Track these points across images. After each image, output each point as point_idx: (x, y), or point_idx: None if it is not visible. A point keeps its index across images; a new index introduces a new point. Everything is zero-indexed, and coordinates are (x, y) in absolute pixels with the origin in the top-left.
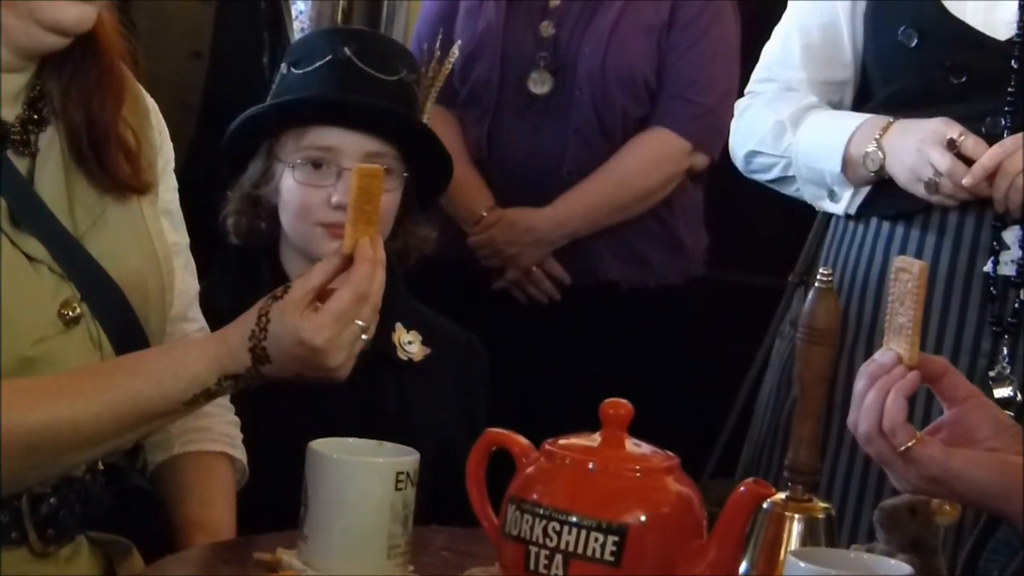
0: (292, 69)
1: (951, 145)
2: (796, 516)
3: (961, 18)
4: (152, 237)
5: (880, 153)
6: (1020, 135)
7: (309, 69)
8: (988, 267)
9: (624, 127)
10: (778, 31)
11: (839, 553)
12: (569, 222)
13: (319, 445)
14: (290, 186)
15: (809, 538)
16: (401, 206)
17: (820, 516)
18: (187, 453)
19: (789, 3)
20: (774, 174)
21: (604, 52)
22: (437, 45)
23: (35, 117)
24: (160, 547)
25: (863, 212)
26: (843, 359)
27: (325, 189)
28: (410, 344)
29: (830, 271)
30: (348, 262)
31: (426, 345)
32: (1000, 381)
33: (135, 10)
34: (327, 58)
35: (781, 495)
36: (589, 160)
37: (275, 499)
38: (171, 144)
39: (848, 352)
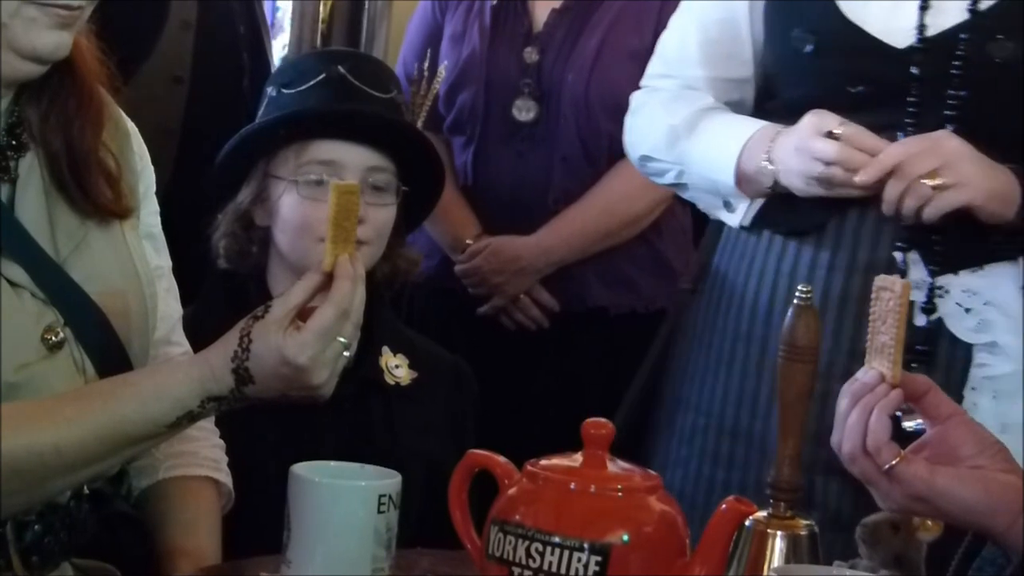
0: (283, 90)
1: (832, 138)
2: (779, 533)
3: (859, 23)
4: (135, 261)
5: (771, 166)
6: (925, 136)
7: (304, 88)
8: None
9: (609, 154)
10: (675, 23)
11: (822, 570)
12: (555, 251)
13: (301, 469)
14: (291, 203)
15: (792, 555)
16: (393, 227)
17: (803, 533)
18: (172, 478)
19: None
20: (668, 180)
21: (588, 79)
22: (426, 65)
23: (14, 143)
24: (145, 573)
25: (756, 224)
26: (735, 370)
27: (328, 203)
28: (397, 368)
29: (809, 288)
30: (328, 280)
31: (413, 369)
32: (909, 413)
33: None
34: (321, 76)
35: (763, 512)
36: (575, 187)
37: (260, 524)
38: (152, 168)
39: (740, 364)
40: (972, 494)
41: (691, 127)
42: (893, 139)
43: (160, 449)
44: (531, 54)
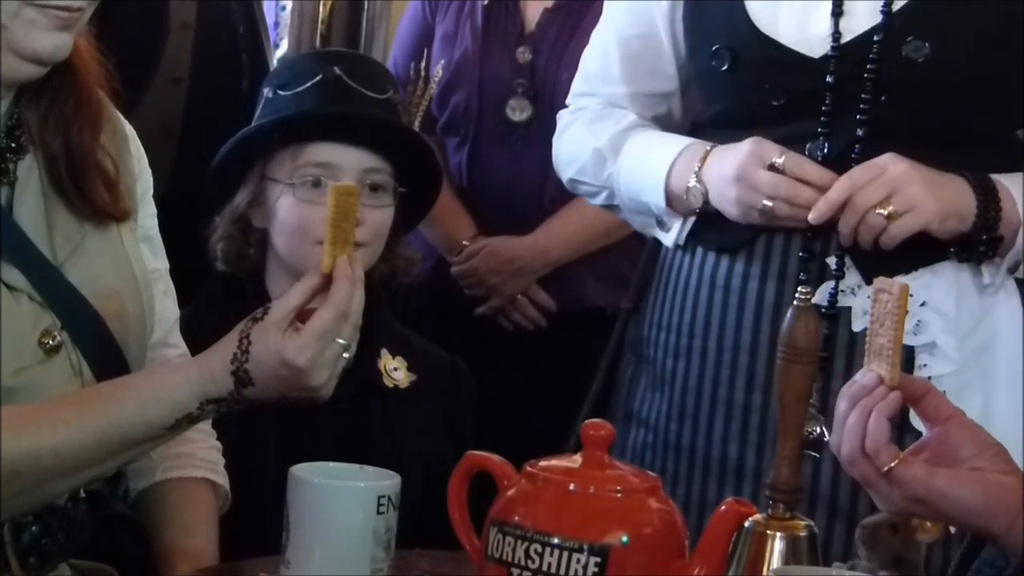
0: (279, 91)
1: (773, 169)
2: (778, 534)
3: (774, 36)
4: (132, 264)
5: (701, 187)
6: (870, 164)
7: (299, 89)
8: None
9: None
10: (596, 38)
11: (821, 571)
12: (552, 250)
13: (300, 470)
14: (288, 205)
15: (791, 556)
16: (390, 227)
17: (802, 534)
18: (169, 479)
19: (605, 7)
20: (600, 201)
21: None
22: (423, 65)
23: (13, 145)
24: (142, 574)
25: (689, 241)
26: (676, 385)
27: (324, 206)
28: (396, 370)
29: (808, 289)
30: (326, 281)
31: (412, 371)
32: (807, 419)
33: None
34: (317, 78)
35: (762, 514)
36: None
37: (260, 525)
38: (150, 170)
39: (681, 379)
40: (971, 496)
41: (615, 149)
42: (818, 149)
43: (157, 451)
44: (524, 54)
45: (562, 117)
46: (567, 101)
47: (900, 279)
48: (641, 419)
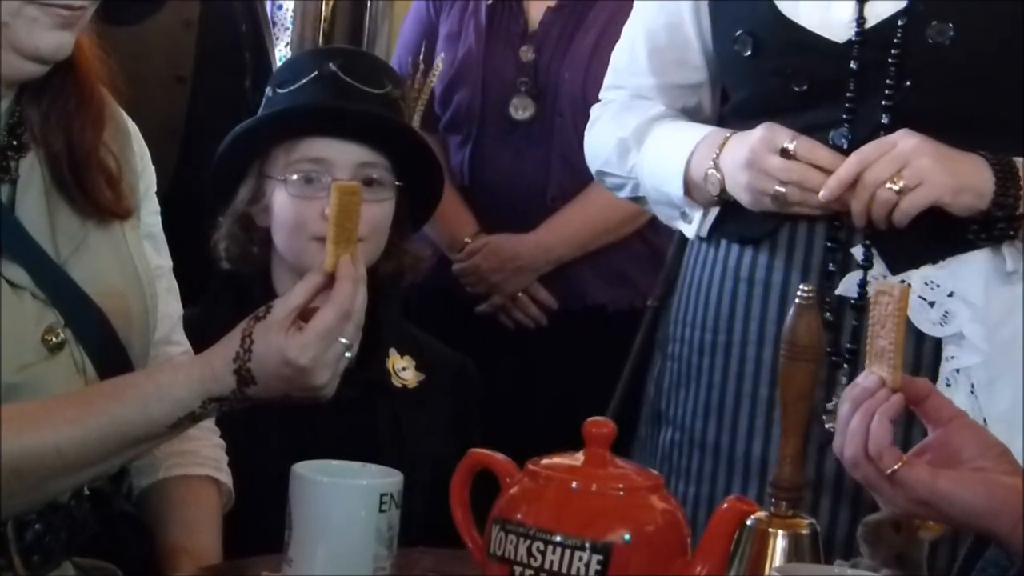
0: (278, 90)
1: (785, 154)
2: (780, 532)
3: (797, 21)
4: (135, 261)
5: (718, 174)
6: (880, 141)
7: (295, 86)
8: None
9: None
10: (626, 33)
11: (823, 569)
12: (554, 248)
13: (303, 468)
14: (283, 202)
15: (794, 554)
16: (394, 224)
17: (804, 532)
18: (172, 477)
19: (635, 3)
20: (626, 193)
21: (584, 77)
22: (420, 57)
23: (15, 143)
24: (146, 572)
25: (713, 234)
26: (702, 382)
27: (318, 201)
28: (404, 370)
29: (811, 287)
30: (329, 280)
31: (420, 371)
32: (830, 414)
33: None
34: (313, 74)
35: (764, 512)
36: (572, 185)
37: (262, 523)
38: (152, 167)
39: (706, 375)
40: (975, 497)
41: (639, 139)
42: (841, 136)
43: (161, 448)
44: (527, 52)
45: (593, 111)
46: (599, 96)
47: (927, 268)
48: (669, 418)
